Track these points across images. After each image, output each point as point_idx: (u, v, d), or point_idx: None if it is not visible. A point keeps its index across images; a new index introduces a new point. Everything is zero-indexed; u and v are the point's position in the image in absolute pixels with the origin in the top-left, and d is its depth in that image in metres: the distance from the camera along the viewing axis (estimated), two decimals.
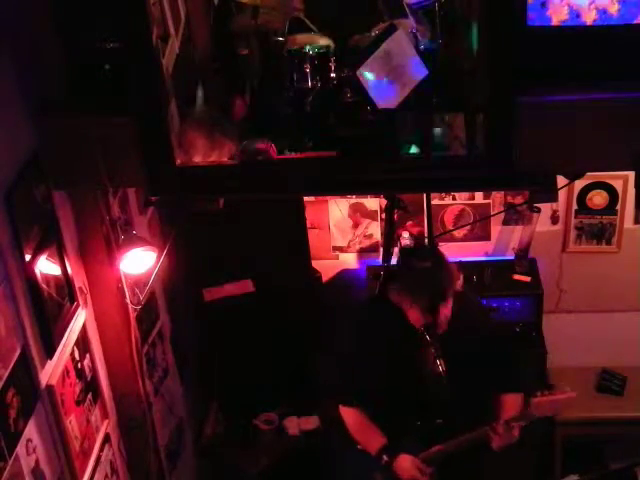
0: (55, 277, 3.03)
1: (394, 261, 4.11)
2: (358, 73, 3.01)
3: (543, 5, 2.85)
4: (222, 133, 3.12)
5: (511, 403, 3.60)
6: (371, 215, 5.01)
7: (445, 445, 3.57)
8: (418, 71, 3.04)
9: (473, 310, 3.77)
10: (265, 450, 4.66)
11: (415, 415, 3.61)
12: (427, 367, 3.45)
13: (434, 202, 4.77)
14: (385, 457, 3.59)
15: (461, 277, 4.72)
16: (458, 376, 3.40)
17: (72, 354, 3.14)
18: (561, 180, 3.27)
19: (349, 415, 3.72)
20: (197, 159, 3.11)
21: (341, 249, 5.11)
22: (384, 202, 3.78)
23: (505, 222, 4.98)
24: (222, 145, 3.10)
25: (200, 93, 3.37)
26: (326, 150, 3.09)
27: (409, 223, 4.93)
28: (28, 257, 2.83)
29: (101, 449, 3.37)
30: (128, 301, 3.48)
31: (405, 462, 3.58)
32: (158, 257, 3.53)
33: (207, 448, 4.73)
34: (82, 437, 3.19)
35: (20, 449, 2.70)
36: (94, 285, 3.39)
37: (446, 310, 3.40)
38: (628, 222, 4.89)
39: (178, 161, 3.08)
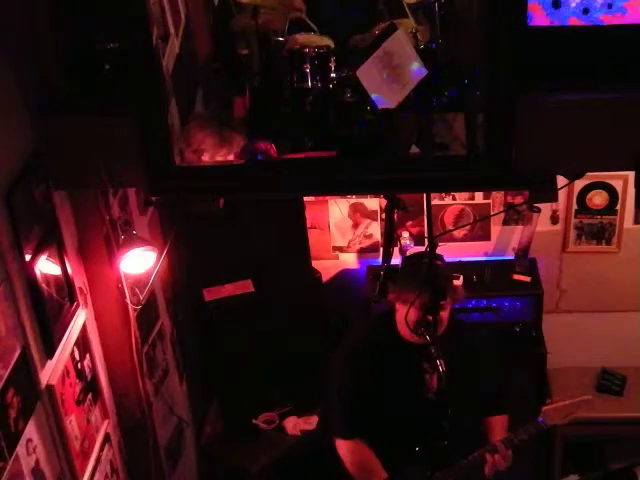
0: (55, 277, 3.03)
1: (395, 261, 4.11)
2: (358, 73, 3.02)
3: (543, 5, 2.85)
4: (230, 129, 3.11)
5: (500, 425, 3.61)
6: (371, 215, 5.01)
7: (445, 473, 3.52)
8: (418, 71, 3.04)
9: (463, 332, 3.76)
10: (265, 450, 4.66)
11: (415, 440, 3.56)
12: (425, 384, 3.44)
13: (434, 202, 4.77)
14: None
15: (461, 278, 4.74)
16: (452, 396, 3.39)
17: (72, 354, 3.15)
18: (561, 180, 3.27)
19: (348, 450, 3.58)
20: (206, 157, 3.11)
21: (341, 249, 5.11)
22: (384, 202, 3.77)
23: (505, 222, 4.99)
24: (231, 140, 3.10)
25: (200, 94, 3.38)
26: (326, 150, 3.09)
27: (409, 223, 4.94)
28: (28, 257, 2.83)
29: (101, 449, 3.37)
30: (128, 301, 3.48)
31: None
32: (158, 257, 3.53)
33: (207, 448, 4.74)
34: (82, 437, 3.19)
35: (20, 449, 2.70)
36: (94, 285, 3.39)
37: (445, 312, 3.40)
38: (628, 222, 4.89)
39: (178, 161, 3.08)
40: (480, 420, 3.66)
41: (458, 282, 3.56)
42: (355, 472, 3.59)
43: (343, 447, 3.60)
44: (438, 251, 3.78)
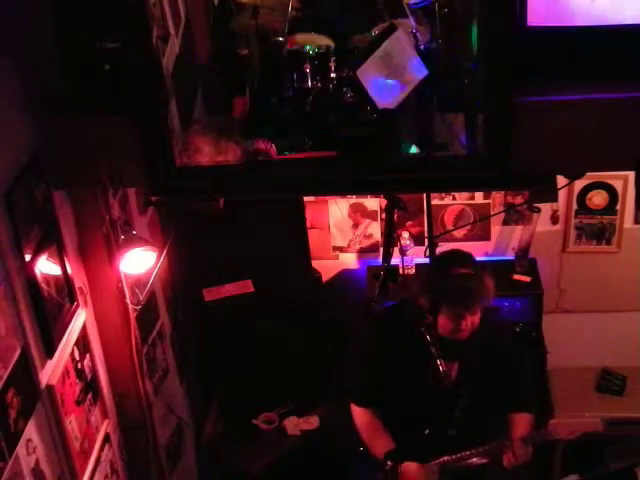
0: (55, 277, 3.03)
1: (395, 261, 4.11)
2: (358, 73, 3.02)
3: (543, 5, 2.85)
4: (228, 139, 3.12)
5: (523, 422, 3.61)
6: (371, 215, 5.01)
7: (454, 457, 3.57)
8: (418, 71, 3.05)
9: (497, 328, 3.74)
10: (265, 450, 4.66)
11: (425, 424, 3.61)
12: (437, 376, 3.46)
13: (434, 202, 4.77)
14: (389, 462, 3.58)
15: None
16: (473, 391, 3.43)
17: (72, 354, 3.15)
18: (561, 180, 3.27)
19: (361, 415, 3.73)
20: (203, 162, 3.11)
21: (341, 249, 5.11)
22: (384, 202, 3.78)
23: (505, 222, 4.99)
24: (227, 150, 3.10)
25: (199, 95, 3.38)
26: (326, 150, 3.09)
27: (409, 223, 4.94)
28: (28, 257, 2.82)
29: (101, 449, 3.37)
30: (128, 301, 3.48)
31: (410, 469, 3.57)
32: (158, 257, 3.53)
33: (207, 448, 4.74)
34: (82, 437, 3.19)
35: (20, 449, 2.70)
36: (94, 285, 3.39)
37: (474, 318, 3.39)
38: (628, 222, 4.89)
39: (178, 161, 3.08)
40: (504, 416, 3.66)
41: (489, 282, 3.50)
42: (364, 433, 3.72)
43: (357, 412, 3.74)
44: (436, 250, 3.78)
